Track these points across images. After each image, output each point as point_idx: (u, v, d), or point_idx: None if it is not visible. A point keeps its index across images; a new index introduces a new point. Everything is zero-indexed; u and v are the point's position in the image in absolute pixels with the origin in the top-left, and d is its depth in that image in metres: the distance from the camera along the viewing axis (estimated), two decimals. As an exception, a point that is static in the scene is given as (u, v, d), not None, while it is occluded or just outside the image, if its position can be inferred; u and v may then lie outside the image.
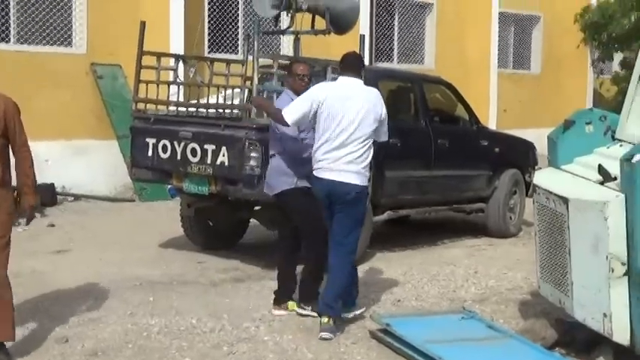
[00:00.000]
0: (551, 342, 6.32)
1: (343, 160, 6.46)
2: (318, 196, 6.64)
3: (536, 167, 11.07)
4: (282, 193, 6.97)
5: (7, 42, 12.79)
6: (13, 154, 5.74)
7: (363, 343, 6.43)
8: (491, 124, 17.35)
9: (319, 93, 6.61)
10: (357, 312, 6.90)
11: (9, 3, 12.77)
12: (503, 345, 6.22)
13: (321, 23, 9.48)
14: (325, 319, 6.51)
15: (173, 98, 9.74)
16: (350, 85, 6.65)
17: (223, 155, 8.33)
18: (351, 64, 6.76)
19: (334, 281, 6.62)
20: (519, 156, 11.47)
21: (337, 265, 6.62)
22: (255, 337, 6.46)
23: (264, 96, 8.53)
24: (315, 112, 6.54)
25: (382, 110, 6.64)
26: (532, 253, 6.63)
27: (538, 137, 10.76)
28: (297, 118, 6.60)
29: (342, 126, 6.45)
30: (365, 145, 6.50)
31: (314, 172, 6.61)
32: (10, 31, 12.80)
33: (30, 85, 12.46)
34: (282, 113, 6.64)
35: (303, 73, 7.11)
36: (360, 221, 6.76)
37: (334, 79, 7.95)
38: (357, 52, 7.53)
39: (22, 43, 12.92)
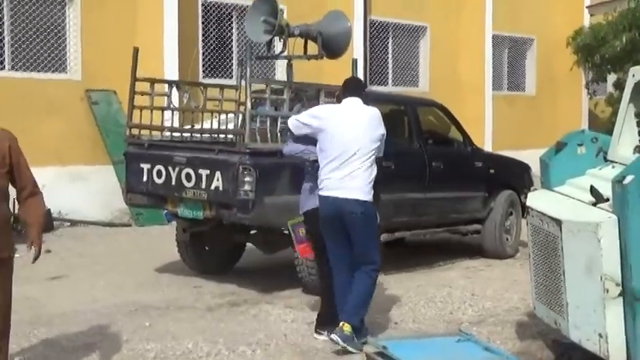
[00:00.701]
0: (548, 363, 6.31)
1: (346, 177, 6.57)
2: (326, 216, 6.70)
3: (531, 188, 11.06)
4: (306, 213, 7.04)
5: (1, 69, 12.84)
6: (19, 193, 5.27)
7: (359, 366, 6.42)
8: (487, 146, 17.38)
9: (321, 112, 6.91)
10: (363, 339, 6.79)
11: (3, 30, 12.83)
12: (499, 367, 6.21)
13: (313, 48, 9.53)
14: (347, 327, 6.53)
15: (167, 124, 9.76)
16: (350, 106, 6.83)
17: (217, 180, 8.34)
18: (350, 86, 7.02)
19: (359, 295, 6.69)
20: (515, 177, 11.49)
21: (362, 280, 6.69)
22: (251, 362, 6.45)
23: (257, 121, 8.55)
24: (315, 129, 6.72)
25: (382, 129, 6.76)
26: (528, 274, 6.63)
27: (533, 158, 10.77)
28: (299, 131, 6.89)
29: (343, 145, 6.58)
30: (367, 162, 6.61)
31: (320, 192, 6.70)
32: (4, 58, 12.85)
33: (25, 112, 12.50)
34: (288, 123, 7.00)
35: None
36: (375, 234, 6.89)
37: (328, 102, 8.02)
38: (356, 77, 7.70)
39: (16, 69, 12.97)
